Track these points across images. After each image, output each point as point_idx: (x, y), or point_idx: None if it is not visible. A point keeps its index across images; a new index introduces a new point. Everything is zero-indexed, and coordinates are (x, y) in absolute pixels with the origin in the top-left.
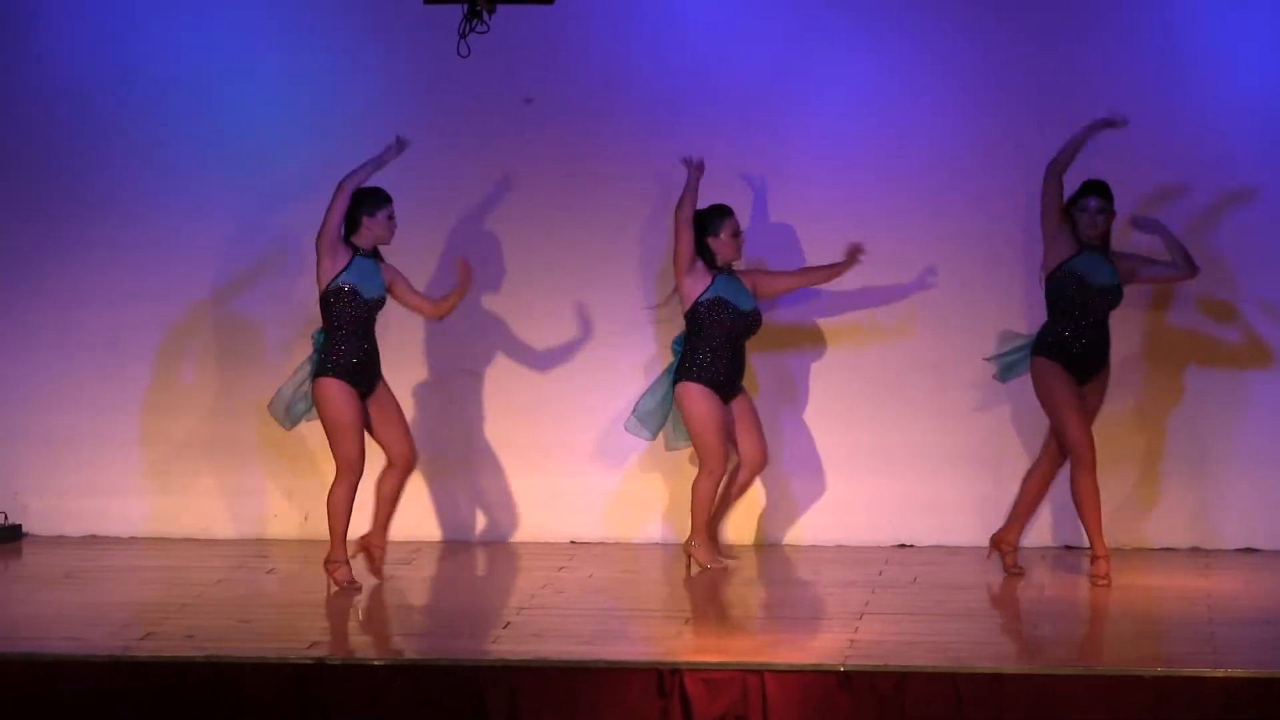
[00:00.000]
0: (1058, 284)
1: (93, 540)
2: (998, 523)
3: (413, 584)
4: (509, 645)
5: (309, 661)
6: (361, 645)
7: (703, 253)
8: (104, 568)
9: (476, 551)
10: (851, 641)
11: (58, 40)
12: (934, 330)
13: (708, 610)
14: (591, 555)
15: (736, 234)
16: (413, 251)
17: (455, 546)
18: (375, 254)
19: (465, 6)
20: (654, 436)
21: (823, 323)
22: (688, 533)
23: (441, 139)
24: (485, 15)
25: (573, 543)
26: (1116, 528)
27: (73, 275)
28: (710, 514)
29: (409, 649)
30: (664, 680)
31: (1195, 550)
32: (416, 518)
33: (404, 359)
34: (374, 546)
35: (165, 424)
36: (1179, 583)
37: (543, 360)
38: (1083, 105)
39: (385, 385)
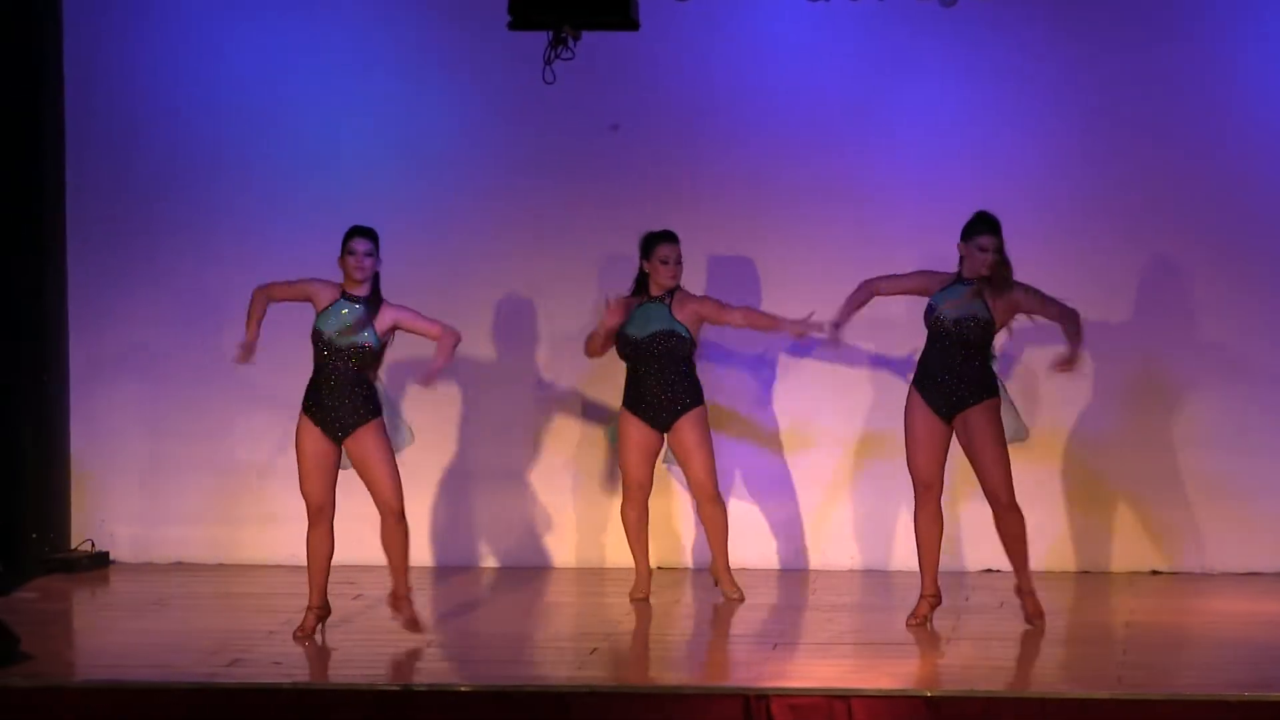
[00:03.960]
0: (929, 317)
1: (180, 567)
2: (1090, 547)
3: (497, 610)
4: (596, 671)
5: (396, 688)
6: (447, 671)
7: (641, 278)
8: (191, 594)
9: (559, 577)
10: (939, 667)
11: (145, 75)
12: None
13: (794, 636)
14: (675, 580)
15: (666, 261)
16: (494, 280)
17: (536, 573)
18: (367, 301)
19: (551, 33)
20: None
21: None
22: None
23: (527, 166)
24: (571, 42)
25: (659, 568)
26: (1210, 552)
27: (159, 303)
28: (636, 540)
29: (496, 675)
30: (751, 706)
31: None
32: (497, 543)
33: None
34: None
35: (251, 451)
36: (1267, 607)
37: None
38: (1173, 119)
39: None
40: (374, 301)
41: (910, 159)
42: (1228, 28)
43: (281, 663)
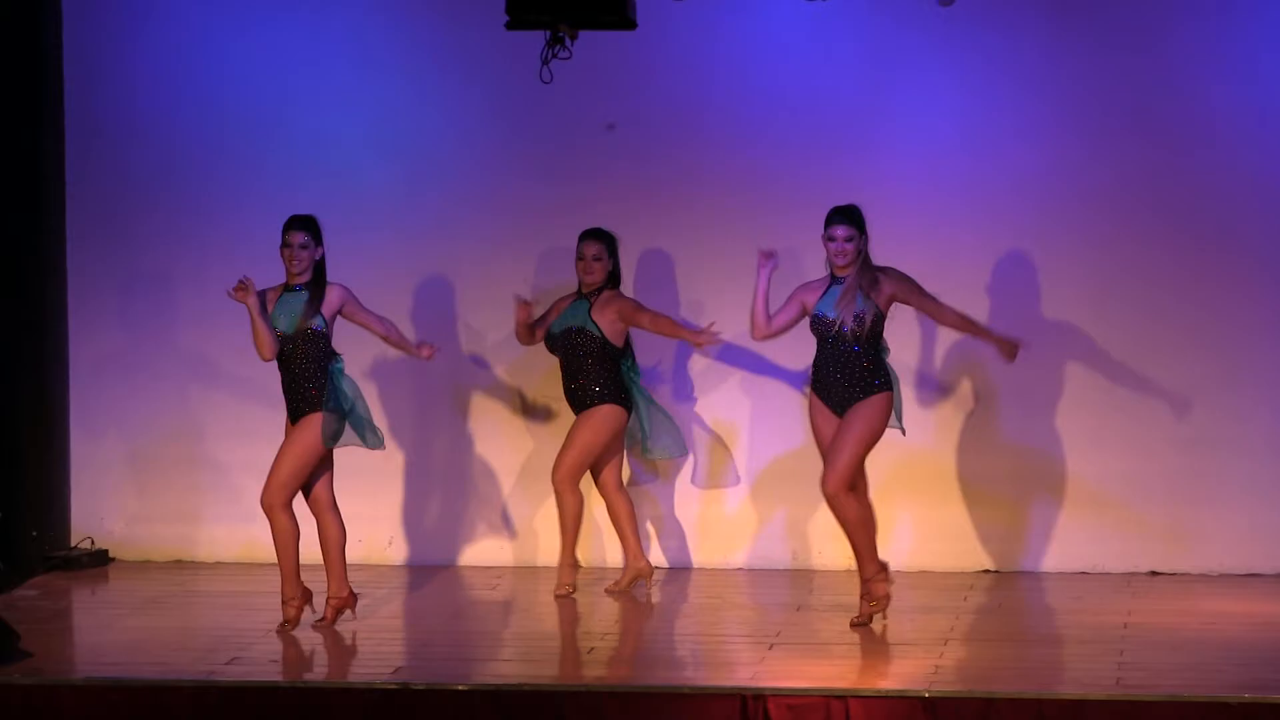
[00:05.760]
0: (816, 325)
1: (178, 566)
2: (1088, 548)
3: (495, 609)
4: (594, 670)
5: (394, 686)
6: (445, 670)
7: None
8: (190, 593)
9: (553, 576)
10: (936, 667)
11: (145, 73)
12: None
13: (792, 636)
14: (677, 580)
15: (582, 258)
16: (493, 277)
17: (536, 572)
18: (308, 286)
19: (548, 32)
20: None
21: (923, 341)
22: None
23: (524, 165)
24: (568, 41)
25: (655, 567)
26: (1209, 553)
27: (159, 302)
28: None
29: (493, 674)
30: (748, 705)
31: None
32: (498, 544)
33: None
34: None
35: (250, 450)
36: (1267, 609)
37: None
38: (1169, 118)
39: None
40: (317, 286)
41: (910, 159)
42: (1229, 31)
43: (279, 660)
